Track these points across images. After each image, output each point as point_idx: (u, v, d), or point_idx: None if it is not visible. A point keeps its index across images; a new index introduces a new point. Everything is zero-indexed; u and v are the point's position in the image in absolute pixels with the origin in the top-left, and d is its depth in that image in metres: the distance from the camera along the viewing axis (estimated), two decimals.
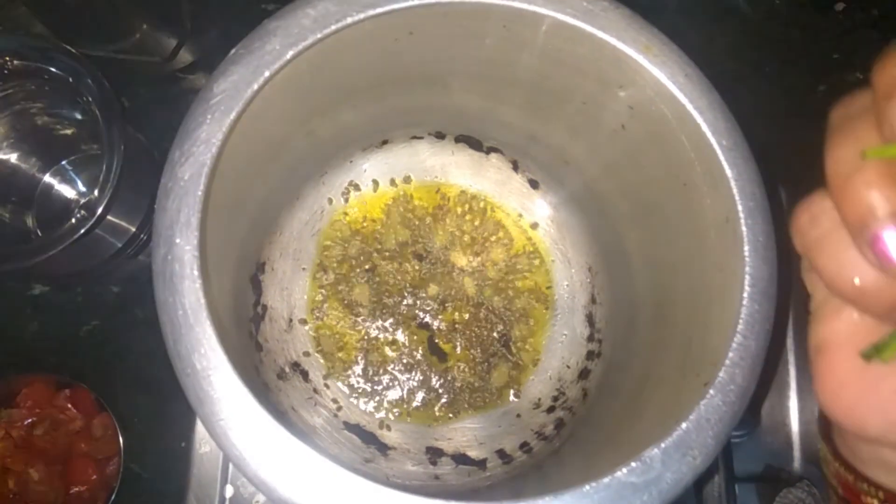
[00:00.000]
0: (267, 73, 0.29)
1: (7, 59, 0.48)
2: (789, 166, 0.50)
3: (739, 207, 0.30)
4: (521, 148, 0.50)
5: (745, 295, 0.30)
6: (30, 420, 0.56)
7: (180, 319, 0.27)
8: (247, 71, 0.29)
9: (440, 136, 0.51)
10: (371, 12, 0.30)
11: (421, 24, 0.35)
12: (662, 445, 0.28)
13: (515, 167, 0.52)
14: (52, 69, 0.49)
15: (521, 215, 0.52)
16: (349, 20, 0.30)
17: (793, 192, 0.58)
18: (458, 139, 0.51)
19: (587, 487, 0.27)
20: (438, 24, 0.36)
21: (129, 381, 0.60)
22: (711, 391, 0.29)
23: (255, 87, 0.29)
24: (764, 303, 0.30)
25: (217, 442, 0.27)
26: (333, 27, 0.30)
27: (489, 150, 0.52)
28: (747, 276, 0.30)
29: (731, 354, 0.29)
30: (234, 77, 0.29)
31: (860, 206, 0.17)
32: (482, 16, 0.34)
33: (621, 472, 0.27)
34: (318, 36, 0.30)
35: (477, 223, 0.52)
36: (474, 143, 0.51)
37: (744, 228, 0.30)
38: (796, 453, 0.54)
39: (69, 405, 0.56)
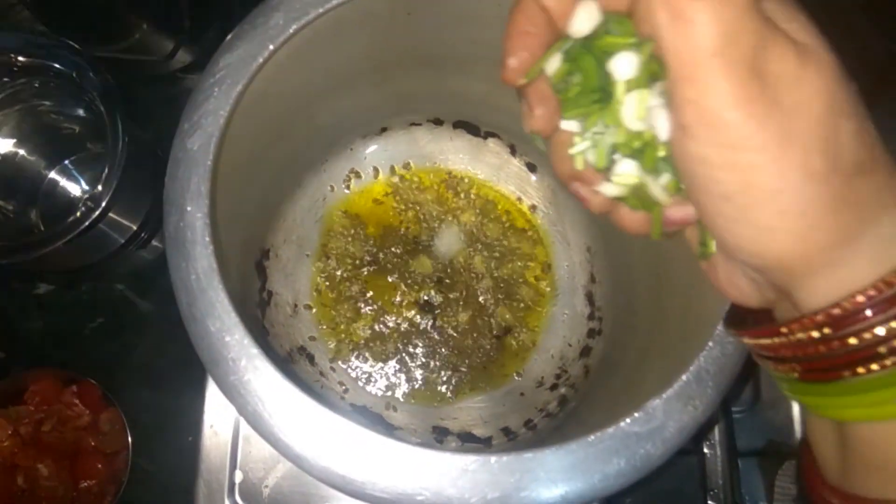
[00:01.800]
0: (271, 47, 0.30)
1: (13, 56, 0.49)
2: None
3: None
4: (518, 131, 0.51)
5: None
6: (37, 416, 0.56)
7: (193, 283, 0.28)
8: (251, 45, 0.30)
9: (438, 122, 0.52)
10: None
11: (419, 3, 0.36)
12: (664, 396, 0.29)
13: (513, 151, 0.53)
14: (57, 66, 0.50)
15: (519, 199, 0.53)
16: None
17: None
18: (456, 125, 0.52)
19: (592, 437, 0.28)
20: (436, 4, 0.37)
21: (135, 376, 0.60)
22: (710, 343, 0.29)
23: (260, 60, 0.30)
24: None
25: (231, 401, 0.27)
26: (335, 2, 0.31)
27: (487, 135, 0.53)
28: None
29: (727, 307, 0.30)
30: (240, 51, 0.30)
31: None
32: None
33: (625, 422, 0.28)
34: (320, 10, 0.31)
35: (477, 205, 0.53)
36: (472, 129, 0.52)
37: None
38: (797, 427, 0.55)
39: (76, 401, 0.57)
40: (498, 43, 0.41)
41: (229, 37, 0.31)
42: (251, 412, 0.27)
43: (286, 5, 0.31)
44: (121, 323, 0.62)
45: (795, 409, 0.56)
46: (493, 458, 0.27)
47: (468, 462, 0.27)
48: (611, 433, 0.28)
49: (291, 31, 0.30)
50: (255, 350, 0.27)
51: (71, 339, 0.60)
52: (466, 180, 0.53)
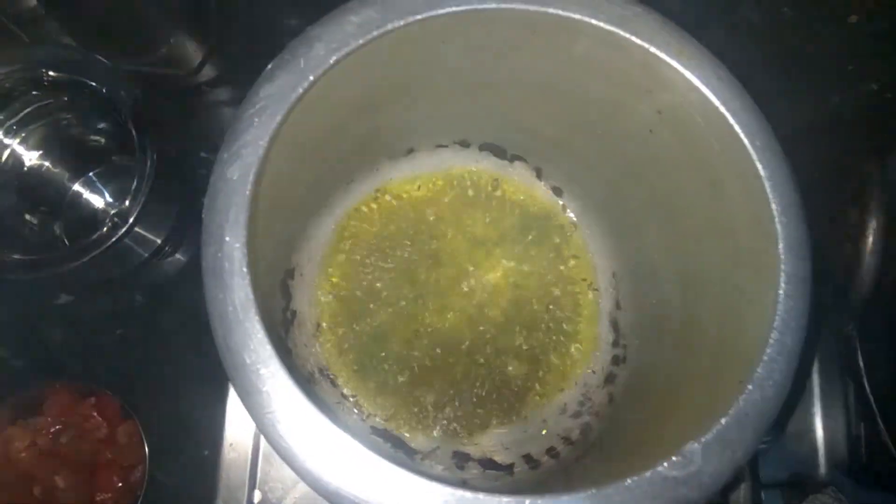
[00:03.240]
0: (311, 78, 0.30)
1: (44, 70, 0.49)
2: (802, 177, 0.51)
3: (773, 206, 0.31)
4: (545, 155, 0.51)
5: (781, 292, 0.30)
6: (55, 428, 0.56)
7: (230, 315, 0.28)
8: (292, 76, 0.30)
9: (465, 144, 0.52)
10: (411, 18, 0.31)
11: (453, 33, 0.36)
12: (703, 440, 0.28)
13: (539, 175, 0.53)
14: (88, 81, 0.50)
15: (545, 222, 0.53)
16: (390, 26, 0.31)
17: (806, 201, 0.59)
18: (483, 147, 0.52)
19: (629, 481, 0.27)
20: (469, 33, 0.37)
21: (153, 390, 0.60)
22: (750, 387, 0.29)
23: (300, 90, 0.30)
24: (799, 300, 0.30)
25: (265, 434, 0.27)
26: (375, 33, 0.31)
27: (513, 158, 0.52)
28: (783, 274, 0.30)
29: (768, 350, 0.29)
30: (280, 81, 0.30)
31: None
32: (513, 22, 0.35)
33: (662, 467, 0.28)
34: (360, 42, 0.31)
35: (501, 222, 0.52)
36: (498, 151, 0.52)
37: (778, 226, 0.31)
38: (822, 460, 0.54)
39: (94, 413, 0.57)
40: (525, 66, 0.41)
41: (269, 66, 0.31)
42: (284, 448, 0.27)
43: (327, 36, 0.31)
44: (141, 336, 0.62)
45: (820, 441, 0.55)
46: (527, 501, 0.27)
47: (500, 503, 0.27)
48: (648, 478, 0.27)
49: (332, 61, 0.30)
50: (291, 384, 0.27)
51: (90, 350, 0.60)
52: (490, 191, 0.53)
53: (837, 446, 0.55)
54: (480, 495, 0.27)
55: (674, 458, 0.28)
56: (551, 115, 0.46)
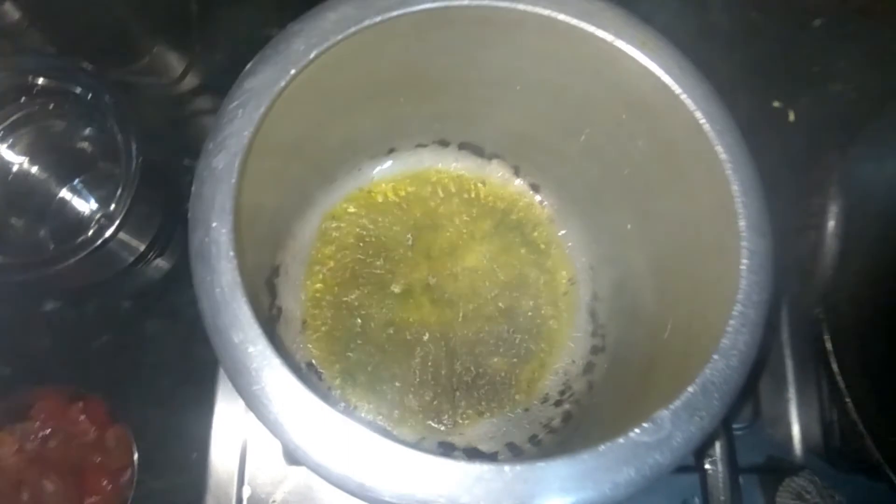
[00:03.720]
0: (293, 71, 0.32)
1: (31, 77, 0.50)
2: (768, 170, 0.53)
3: (734, 187, 0.33)
4: (522, 153, 0.53)
5: (744, 267, 0.32)
6: (43, 432, 0.56)
7: (217, 297, 0.29)
8: (274, 69, 0.32)
9: (444, 143, 0.54)
10: (387, 15, 0.33)
11: (428, 31, 0.38)
12: (671, 407, 0.30)
13: (517, 172, 0.54)
14: (74, 88, 0.51)
15: (522, 217, 0.55)
16: (366, 22, 0.32)
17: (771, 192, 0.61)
18: (462, 146, 0.54)
19: (602, 447, 0.29)
20: (443, 31, 0.38)
21: (141, 394, 0.61)
22: (715, 356, 0.30)
23: (282, 83, 0.32)
24: (761, 274, 0.32)
25: (254, 411, 0.28)
26: (353, 29, 0.32)
27: (491, 157, 0.54)
28: (744, 250, 0.32)
29: (731, 322, 0.31)
30: (263, 75, 0.32)
31: None
32: (486, 19, 0.37)
33: (634, 433, 0.29)
34: (339, 37, 0.32)
35: (481, 219, 0.54)
36: (477, 150, 0.54)
37: (738, 205, 0.32)
38: (797, 444, 0.56)
39: (82, 417, 0.57)
40: (504, 67, 0.43)
41: (252, 62, 0.32)
42: (273, 421, 0.28)
43: (307, 32, 0.32)
44: (127, 341, 0.62)
45: (795, 426, 0.57)
46: (506, 468, 0.28)
47: (483, 471, 0.28)
48: (620, 443, 0.29)
49: (312, 56, 0.32)
50: (276, 360, 0.28)
51: (77, 356, 0.61)
52: (469, 190, 0.54)
53: (812, 431, 0.56)
54: (464, 463, 0.28)
55: (644, 425, 0.29)
56: (526, 113, 0.48)
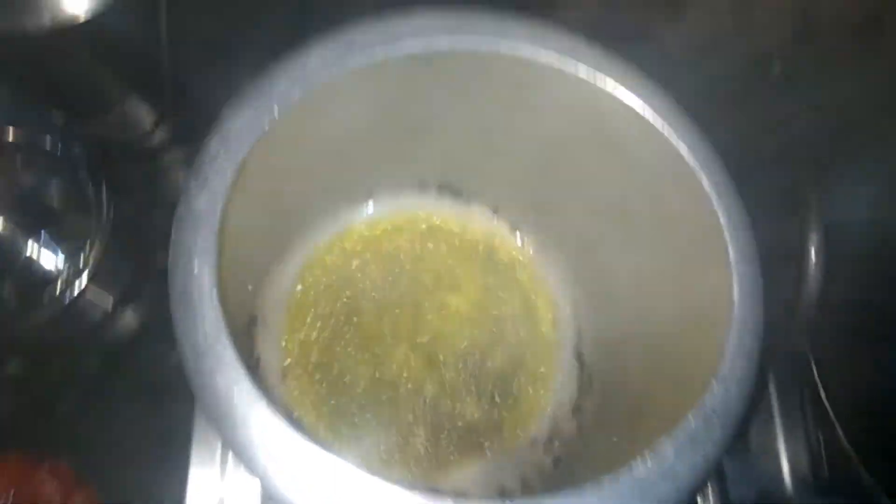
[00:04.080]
0: (276, 112, 0.31)
1: None
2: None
3: (721, 218, 0.33)
4: (501, 193, 0.53)
5: (735, 295, 0.32)
6: (6, 500, 0.53)
7: (200, 340, 0.28)
8: (258, 109, 0.31)
9: (423, 186, 0.53)
10: (370, 58, 0.33)
11: (410, 74, 0.38)
12: (673, 436, 0.29)
13: (496, 212, 0.54)
14: (43, 141, 0.50)
15: (503, 257, 0.54)
16: (352, 65, 0.32)
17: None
18: (440, 188, 0.53)
19: (606, 481, 0.28)
20: (426, 75, 0.39)
21: (110, 456, 0.58)
22: (715, 384, 0.30)
23: (266, 124, 0.31)
24: (752, 300, 0.32)
25: (240, 458, 0.27)
26: (336, 71, 0.32)
27: (470, 197, 0.54)
28: (735, 278, 0.32)
29: (729, 349, 0.31)
30: (246, 114, 0.31)
31: None
32: (466, 64, 0.37)
33: (637, 466, 0.28)
34: (322, 79, 0.32)
35: (462, 262, 0.53)
36: (455, 192, 0.54)
37: (726, 235, 0.32)
38: (786, 477, 0.55)
39: (48, 482, 0.54)
40: (484, 110, 0.43)
41: (234, 101, 0.32)
42: (262, 470, 0.26)
43: (291, 72, 0.32)
44: (96, 401, 0.60)
45: (784, 458, 0.56)
46: (507, 503, 0.27)
47: None
48: (624, 477, 0.28)
49: (296, 97, 0.32)
50: (264, 404, 0.27)
51: (43, 418, 0.58)
52: (450, 232, 0.54)
53: (800, 462, 0.56)
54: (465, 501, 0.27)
55: (648, 458, 0.28)
56: (505, 154, 0.48)
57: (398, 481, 0.25)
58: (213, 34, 0.67)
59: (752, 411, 0.53)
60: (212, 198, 0.30)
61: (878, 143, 0.49)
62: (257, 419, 0.27)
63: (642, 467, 0.28)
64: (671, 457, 0.28)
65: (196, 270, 0.28)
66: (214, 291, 0.28)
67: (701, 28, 0.80)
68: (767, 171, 0.61)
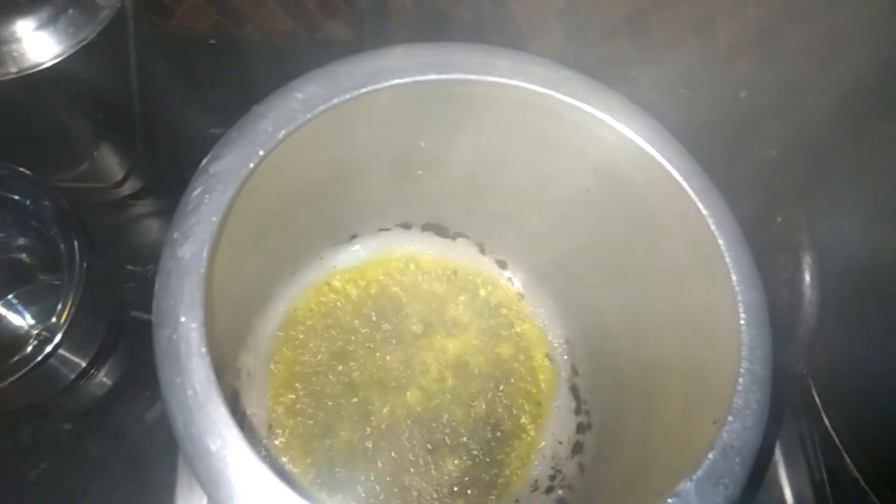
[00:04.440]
0: (261, 153, 0.30)
1: None
2: None
3: (720, 242, 0.32)
4: (487, 230, 0.52)
5: (742, 322, 0.31)
6: None
7: (190, 400, 0.26)
8: (241, 152, 0.30)
9: (406, 226, 0.52)
10: (356, 92, 0.32)
11: (395, 108, 0.37)
12: (694, 477, 0.28)
13: (482, 250, 0.53)
14: (11, 194, 0.48)
15: (492, 296, 0.53)
16: (335, 101, 0.31)
17: None
18: (425, 227, 0.52)
19: None
20: (410, 108, 0.38)
21: None
22: (730, 418, 0.29)
23: (251, 165, 0.30)
24: (760, 327, 0.31)
25: None
26: (322, 108, 0.31)
27: (455, 236, 0.53)
28: (740, 304, 0.31)
29: (740, 380, 0.30)
30: (230, 157, 0.30)
31: None
32: (453, 95, 0.36)
33: None
34: (308, 116, 0.31)
35: (450, 302, 0.52)
36: (440, 230, 0.53)
37: (727, 260, 0.32)
38: None
39: None
40: (470, 144, 0.43)
41: (216, 146, 0.31)
42: None
43: (273, 112, 0.31)
44: (68, 467, 0.57)
45: (787, 489, 0.55)
46: None
47: None
48: None
49: (280, 136, 0.30)
50: (261, 467, 0.25)
51: (15, 487, 0.55)
52: (436, 272, 0.53)
53: (804, 493, 0.55)
54: None
55: (669, 500, 0.27)
56: (490, 190, 0.47)
57: None
58: (184, 80, 0.66)
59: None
60: (197, 246, 0.28)
61: (861, 156, 0.49)
62: (256, 487, 0.25)
63: None
64: (694, 499, 0.27)
65: (182, 324, 0.27)
66: (203, 345, 0.26)
67: (670, 59, 0.82)
68: (751, 194, 0.62)
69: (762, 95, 0.84)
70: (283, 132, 0.31)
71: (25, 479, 0.56)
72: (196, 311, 0.27)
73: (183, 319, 0.27)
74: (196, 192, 0.29)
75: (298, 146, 0.33)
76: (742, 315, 0.31)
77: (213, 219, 0.28)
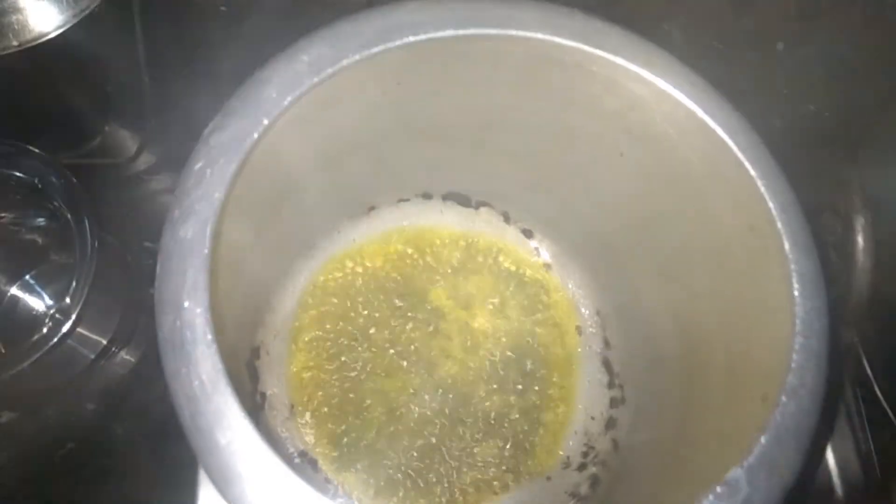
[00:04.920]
0: (266, 122, 0.28)
1: None
2: None
3: (771, 205, 0.29)
4: (511, 198, 0.49)
5: (797, 294, 0.28)
6: None
7: (196, 391, 0.24)
8: (244, 121, 0.28)
9: (427, 196, 0.50)
10: (366, 52, 0.29)
11: (409, 70, 0.34)
12: (745, 464, 0.25)
13: (507, 219, 0.51)
14: (18, 174, 0.47)
15: (518, 267, 0.51)
16: (345, 62, 0.29)
17: None
18: (446, 197, 0.50)
19: None
20: (426, 70, 0.35)
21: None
22: (784, 398, 0.26)
23: (255, 135, 0.28)
24: (817, 299, 0.28)
25: None
26: (329, 70, 0.29)
27: (478, 205, 0.51)
28: (794, 274, 0.28)
29: (795, 357, 0.27)
30: (232, 128, 0.28)
31: None
32: (472, 52, 0.34)
33: (707, 500, 0.25)
34: (315, 80, 0.28)
35: (474, 274, 0.50)
36: (462, 200, 0.50)
37: (780, 225, 0.29)
38: (836, 482, 0.51)
39: None
40: (491, 105, 0.40)
41: (218, 115, 0.28)
42: None
43: (278, 77, 0.29)
44: (94, 447, 0.56)
45: (832, 462, 0.52)
46: None
47: None
48: None
49: (286, 103, 0.28)
50: (276, 461, 0.23)
51: (40, 469, 0.54)
52: (463, 243, 0.50)
53: (850, 465, 0.52)
54: None
55: (718, 489, 0.25)
56: (515, 155, 0.45)
57: None
58: (193, 48, 0.64)
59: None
60: (200, 225, 0.26)
61: None
62: (269, 481, 0.23)
63: (714, 500, 0.24)
64: (745, 486, 0.25)
65: (186, 309, 0.25)
66: (209, 332, 0.24)
67: (703, 11, 0.77)
68: (802, 155, 0.58)
69: (801, 47, 0.79)
70: (288, 98, 0.28)
71: (51, 460, 0.55)
72: (201, 296, 0.25)
73: (187, 305, 0.25)
74: (197, 167, 0.27)
75: (308, 113, 0.31)
76: (796, 285, 0.28)
77: (217, 195, 0.26)
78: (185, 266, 0.26)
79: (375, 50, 0.29)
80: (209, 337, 0.25)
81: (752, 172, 0.30)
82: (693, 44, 0.77)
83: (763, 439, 0.26)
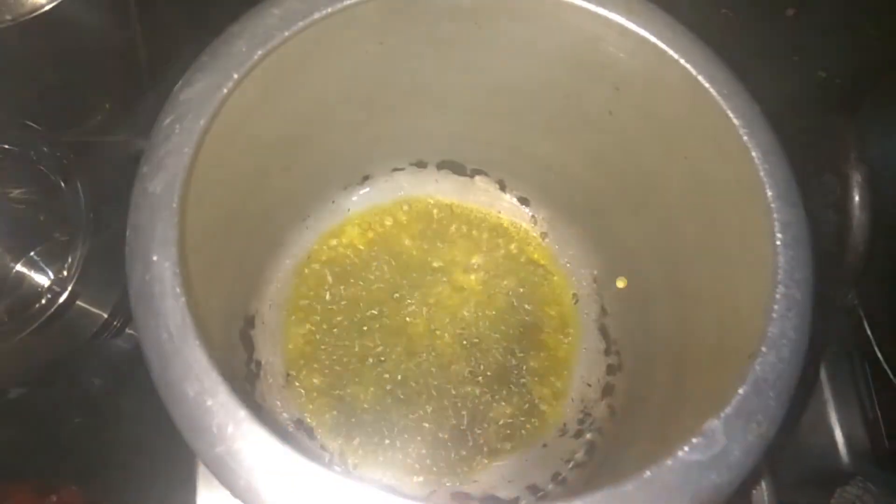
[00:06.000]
0: (235, 76, 0.28)
1: None
2: None
3: (753, 154, 0.28)
4: (506, 165, 0.49)
5: (779, 243, 0.27)
6: None
7: (165, 343, 0.24)
8: (214, 76, 0.28)
9: (422, 164, 0.49)
10: (339, 5, 0.29)
11: (387, 27, 0.34)
12: (722, 415, 0.25)
13: (502, 187, 0.50)
14: (24, 152, 0.47)
15: (514, 235, 0.50)
16: (316, 15, 0.28)
17: None
18: (441, 165, 0.50)
19: (648, 473, 0.24)
20: (406, 27, 0.35)
21: (121, 478, 0.55)
22: (764, 348, 0.26)
23: (225, 91, 0.27)
24: (799, 248, 0.27)
25: (219, 477, 0.23)
26: (301, 24, 0.28)
27: (474, 173, 0.50)
28: (776, 223, 0.28)
29: (776, 307, 0.26)
30: (201, 83, 0.27)
31: None
32: (453, 10, 0.33)
33: (682, 451, 0.24)
34: (286, 34, 0.28)
35: (471, 242, 0.49)
36: (457, 168, 0.50)
37: (762, 174, 0.28)
38: (842, 450, 0.51)
39: None
40: (477, 66, 0.39)
41: (188, 71, 0.28)
42: (244, 487, 0.22)
43: (249, 31, 0.28)
44: (102, 421, 0.57)
45: (837, 429, 0.51)
46: None
47: None
48: (668, 466, 0.24)
49: (256, 57, 0.28)
50: (242, 413, 0.23)
51: (48, 443, 0.55)
52: (460, 212, 0.50)
53: (856, 433, 0.51)
54: None
55: (694, 440, 0.24)
56: (506, 119, 0.44)
57: (410, 496, 0.22)
58: (191, 20, 0.64)
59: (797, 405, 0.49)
60: (169, 179, 0.26)
61: None
62: (237, 432, 0.23)
63: (689, 452, 0.24)
64: (722, 437, 0.24)
65: (155, 263, 0.25)
66: (178, 285, 0.24)
67: None
68: (799, 118, 0.57)
69: (812, 13, 0.77)
70: (258, 52, 0.28)
71: (59, 435, 0.56)
72: (169, 250, 0.25)
73: (155, 258, 0.25)
74: (167, 122, 0.27)
75: (285, 71, 0.30)
76: (778, 235, 0.27)
77: (186, 150, 0.26)
78: (154, 220, 0.26)
79: (347, 2, 0.29)
80: (177, 289, 0.25)
81: (735, 121, 0.29)
82: (702, 10, 0.75)
83: (741, 390, 0.25)
